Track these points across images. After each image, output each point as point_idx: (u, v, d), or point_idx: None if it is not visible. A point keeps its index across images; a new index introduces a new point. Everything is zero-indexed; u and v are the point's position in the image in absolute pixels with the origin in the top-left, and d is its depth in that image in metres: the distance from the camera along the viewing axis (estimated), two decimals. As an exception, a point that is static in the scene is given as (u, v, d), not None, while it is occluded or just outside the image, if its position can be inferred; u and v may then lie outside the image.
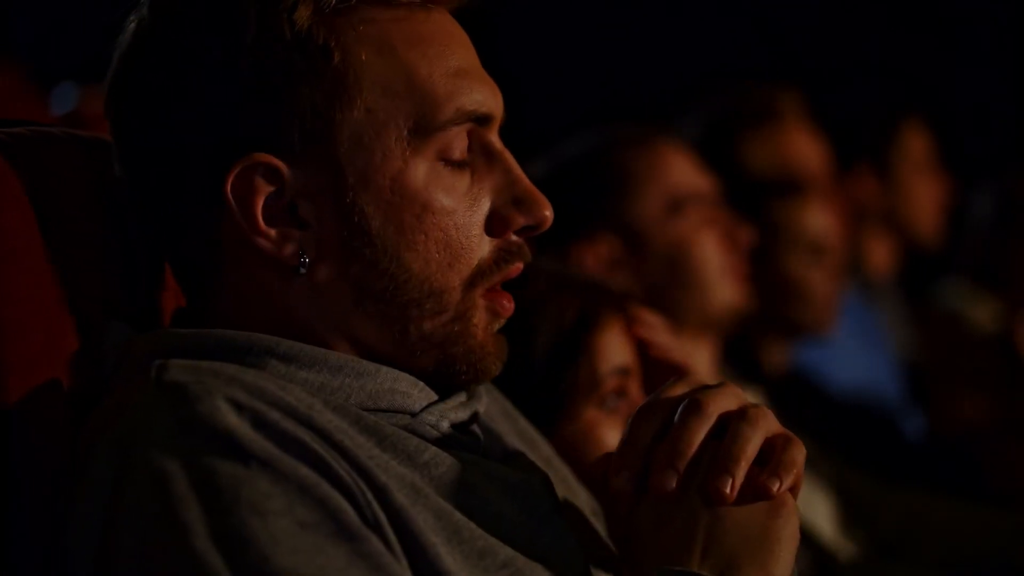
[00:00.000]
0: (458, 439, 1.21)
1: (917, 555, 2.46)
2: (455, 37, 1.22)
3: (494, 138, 1.22)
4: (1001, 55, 4.36)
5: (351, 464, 1.08)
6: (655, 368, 1.68)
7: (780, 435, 1.17)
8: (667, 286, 2.19)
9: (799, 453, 1.16)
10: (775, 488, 1.14)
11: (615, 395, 1.61)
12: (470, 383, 1.24)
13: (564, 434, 1.58)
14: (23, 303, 1.18)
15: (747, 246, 2.31)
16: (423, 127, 1.17)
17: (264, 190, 1.16)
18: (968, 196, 3.63)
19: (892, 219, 3.43)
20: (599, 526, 1.37)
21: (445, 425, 1.20)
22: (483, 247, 1.20)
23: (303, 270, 1.17)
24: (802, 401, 2.69)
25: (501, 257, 1.21)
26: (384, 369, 1.19)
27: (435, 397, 1.22)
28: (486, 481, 1.18)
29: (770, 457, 1.15)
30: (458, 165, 1.19)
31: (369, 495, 1.08)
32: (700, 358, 2.19)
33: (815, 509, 2.39)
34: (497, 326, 1.23)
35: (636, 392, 1.63)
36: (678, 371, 1.67)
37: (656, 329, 1.71)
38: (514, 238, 1.22)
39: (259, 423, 1.06)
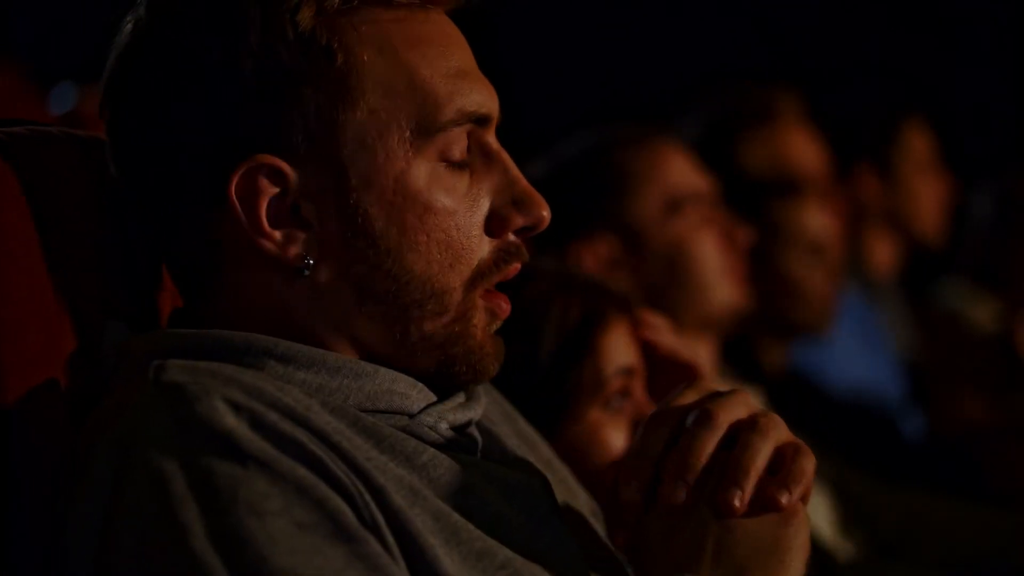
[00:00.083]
0: (457, 440, 1.21)
1: (917, 555, 2.46)
2: (453, 38, 1.22)
3: (492, 139, 1.22)
4: (1001, 55, 4.36)
5: (349, 465, 1.08)
6: (663, 368, 1.68)
7: (790, 444, 1.17)
8: (666, 286, 2.19)
9: (809, 463, 1.16)
10: (785, 500, 1.14)
11: (619, 396, 1.60)
12: (469, 383, 1.24)
13: (568, 435, 1.58)
14: (21, 303, 1.17)
15: (746, 246, 2.31)
16: (425, 128, 1.17)
17: (268, 191, 1.16)
18: (968, 196, 3.63)
19: (894, 218, 3.43)
20: (598, 527, 1.37)
21: (443, 426, 1.20)
22: (483, 248, 1.20)
23: (307, 272, 1.17)
24: (801, 401, 2.69)
25: (500, 258, 1.22)
26: (383, 370, 1.19)
27: (434, 398, 1.22)
28: (485, 482, 1.18)
29: (780, 466, 1.15)
30: (458, 166, 1.20)
31: (367, 496, 1.08)
32: (699, 358, 2.19)
33: (815, 509, 2.38)
34: (495, 327, 1.23)
35: (640, 393, 1.63)
36: (686, 370, 1.67)
37: (661, 330, 1.70)
38: (512, 238, 1.22)
39: (257, 424, 1.06)
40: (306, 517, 1.04)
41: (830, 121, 3.00)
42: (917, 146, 3.47)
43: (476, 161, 1.21)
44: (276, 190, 1.16)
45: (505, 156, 1.22)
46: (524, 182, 1.22)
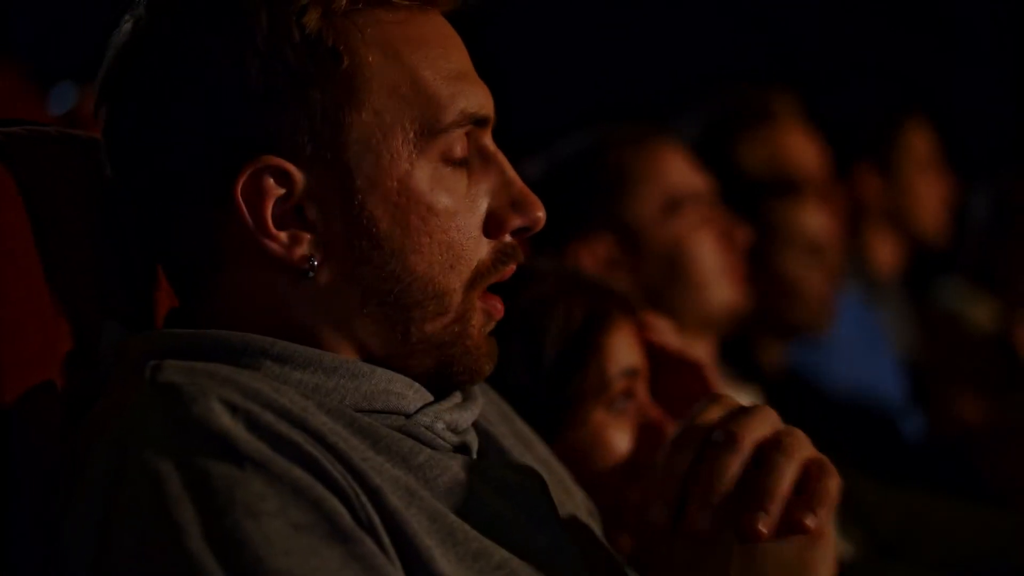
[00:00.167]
0: (453, 440, 1.21)
1: (917, 555, 2.46)
2: (451, 39, 1.22)
3: (489, 140, 1.23)
4: (1001, 55, 4.36)
5: (345, 466, 1.08)
6: (670, 369, 1.68)
7: (814, 462, 1.15)
8: (664, 286, 2.20)
9: (834, 481, 1.15)
10: (811, 522, 1.13)
11: (623, 397, 1.60)
12: (465, 384, 1.24)
13: (572, 436, 1.58)
14: (19, 304, 1.17)
15: (744, 246, 2.31)
16: (428, 129, 1.18)
17: (274, 193, 1.16)
18: (968, 196, 3.63)
19: (896, 217, 3.43)
20: (595, 527, 1.37)
21: (440, 426, 1.20)
22: (481, 249, 1.21)
23: (311, 273, 1.17)
24: (799, 401, 2.69)
25: (498, 259, 1.22)
26: (379, 370, 1.19)
27: (430, 398, 1.22)
28: (482, 482, 1.18)
29: (805, 486, 1.14)
30: (458, 167, 1.20)
31: (363, 497, 1.08)
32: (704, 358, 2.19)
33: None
34: (490, 328, 1.23)
35: (643, 394, 1.62)
36: (694, 370, 1.67)
37: (666, 331, 1.70)
38: (509, 239, 1.22)
39: (253, 424, 1.07)
40: (302, 518, 1.04)
41: (831, 120, 3.00)
42: (918, 145, 3.48)
43: (474, 162, 1.21)
44: (281, 191, 1.16)
45: (501, 157, 1.22)
46: (521, 183, 1.22)
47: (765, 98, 2.71)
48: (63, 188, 1.23)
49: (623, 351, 1.60)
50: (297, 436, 1.07)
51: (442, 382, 1.23)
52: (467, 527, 1.13)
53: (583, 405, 1.58)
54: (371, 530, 1.07)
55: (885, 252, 3.44)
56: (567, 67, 4.04)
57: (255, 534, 1.02)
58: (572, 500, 1.38)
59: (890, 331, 3.39)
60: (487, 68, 1.24)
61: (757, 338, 2.65)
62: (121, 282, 1.25)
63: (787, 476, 1.13)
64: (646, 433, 1.60)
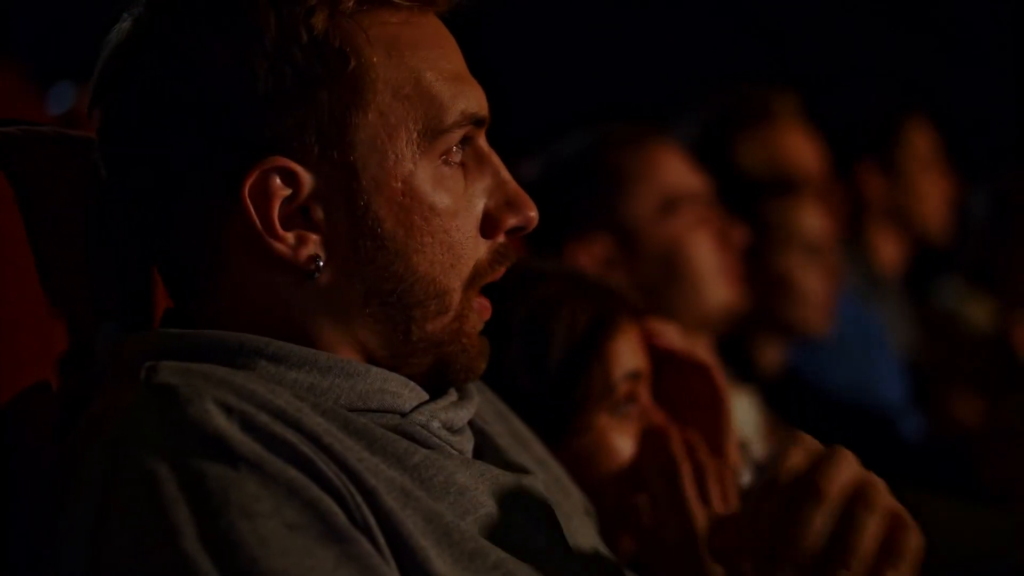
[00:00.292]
0: (449, 439, 1.21)
1: (916, 555, 2.45)
2: (448, 40, 1.23)
3: (483, 141, 1.23)
4: (1001, 55, 4.36)
5: (340, 467, 1.08)
6: (678, 371, 1.67)
7: (895, 515, 1.13)
8: (661, 286, 2.20)
9: (915, 538, 1.13)
10: None
11: (627, 400, 1.59)
12: (462, 382, 1.25)
13: (575, 440, 1.57)
14: (14, 304, 1.18)
15: (741, 246, 2.31)
16: (431, 129, 1.18)
17: (281, 193, 1.15)
18: (968, 196, 3.63)
19: (898, 216, 3.43)
20: (592, 527, 1.37)
21: (435, 425, 1.20)
22: (480, 248, 1.21)
23: (317, 274, 1.17)
24: (797, 401, 2.69)
25: (495, 259, 1.22)
26: (374, 369, 1.19)
27: (425, 397, 1.22)
28: (477, 482, 1.18)
29: (886, 540, 1.12)
30: (456, 167, 1.20)
31: (358, 498, 1.08)
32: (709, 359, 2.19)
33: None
34: (481, 327, 1.24)
35: (647, 397, 1.62)
36: (703, 372, 1.66)
37: (671, 335, 1.70)
38: (503, 239, 1.22)
39: (248, 425, 1.07)
40: (297, 518, 1.04)
41: (833, 119, 3.00)
42: (921, 143, 3.48)
43: (470, 162, 1.22)
44: (288, 192, 1.16)
45: (495, 158, 1.23)
46: (514, 183, 1.22)
47: (764, 98, 2.71)
48: (59, 188, 1.23)
49: (627, 355, 1.60)
50: (292, 437, 1.07)
51: (439, 381, 1.23)
52: (463, 527, 1.13)
53: (587, 409, 1.58)
54: (366, 530, 1.07)
55: (888, 250, 3.45)
56: (565, 67, 4.05)
57: (250, 535, 1.02)
58: (569, 500, 1.38)
59: (890, 331, 3.39)
60: (485, 69, 1.24)
61: (755, 338, 2.65)
62: (117, 283, 1.25)
63: (871, 532, 1.11)
64: (649, 437, 1.59)
